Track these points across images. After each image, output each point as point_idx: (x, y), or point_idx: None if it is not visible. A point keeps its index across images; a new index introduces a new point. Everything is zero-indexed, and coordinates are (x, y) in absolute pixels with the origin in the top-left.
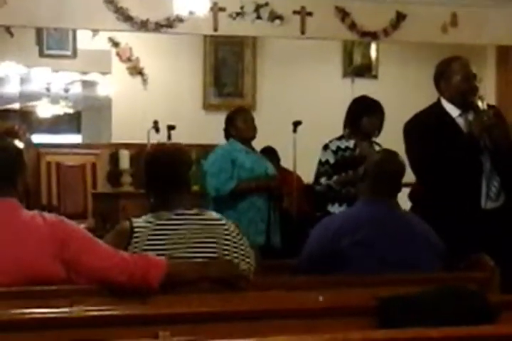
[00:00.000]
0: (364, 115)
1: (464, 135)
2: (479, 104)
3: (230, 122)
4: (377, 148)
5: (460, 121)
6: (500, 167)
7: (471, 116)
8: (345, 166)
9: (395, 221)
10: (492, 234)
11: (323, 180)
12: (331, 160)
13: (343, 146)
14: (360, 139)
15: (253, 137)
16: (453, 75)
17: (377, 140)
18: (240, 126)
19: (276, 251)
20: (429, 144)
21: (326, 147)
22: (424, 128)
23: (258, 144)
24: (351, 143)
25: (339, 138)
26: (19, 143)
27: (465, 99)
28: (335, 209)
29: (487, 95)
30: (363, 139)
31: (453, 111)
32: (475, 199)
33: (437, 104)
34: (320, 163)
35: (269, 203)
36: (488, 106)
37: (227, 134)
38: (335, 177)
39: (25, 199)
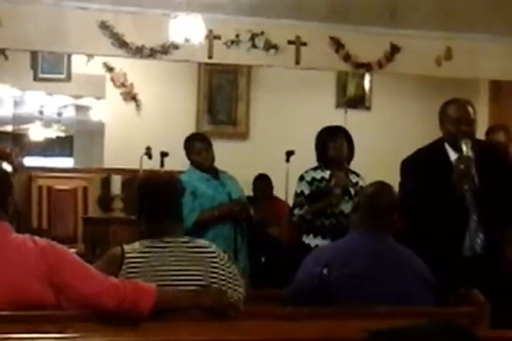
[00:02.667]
0: (328, 142)
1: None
2: (464, 148)
3: (186, 150)
4: (354, 177)
5: None
6: (485, 220)
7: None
8: (320, 197)
9: (387, 253)
10: (473, 276)
11: (296, 210)
12: (306, 191)
13: (318, 177)
14: (336, 169)
15: (209, 167)
16: (446, 118)
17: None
18: (193, 158)
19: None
20: (418, 184)
21: (301, 178)
22: (418, 167)
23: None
24: (327, 174)
25: (315, 169)
26: (7, 166)
27: (454, 142)
28: (309, 240)
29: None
30: (338, 169)
31: (451, 154)
32: (456, 248)
33: (440, 144)
34: (296, 194)
35: (235, 229)
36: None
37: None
38: (306, 207)
39: (16, 222)
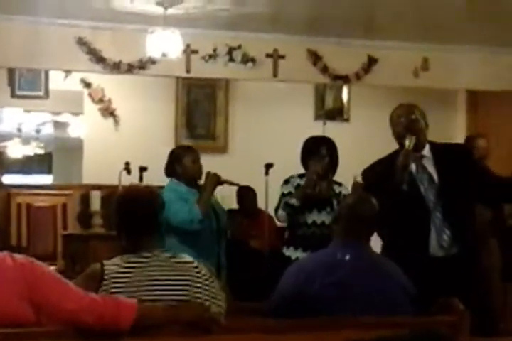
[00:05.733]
0: (307, 159)
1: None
2: (406, 143)
3: (177, 160)
4: (337, 187)
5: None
6: (450, 216)
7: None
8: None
9: (368, 263)
10: (443, 281)
11: (280, 211)
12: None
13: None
14: (319, 179)
15: (200, 178)
16: (393, 122)
17: (344, 180)
18: (188, 165)
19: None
20: (374, 191)
21: (287, 181)
22: (373, 175)
23: (230, 187)
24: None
25: (301, 176)
26: None
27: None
28: (290, 252)
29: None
30: (322, 179)
31: None
32: (422, 248)
33: (397, 152)
34: (283, 195)
35: (219, 247)
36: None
37: (171, 172)
38: (294, 200)
39: None
